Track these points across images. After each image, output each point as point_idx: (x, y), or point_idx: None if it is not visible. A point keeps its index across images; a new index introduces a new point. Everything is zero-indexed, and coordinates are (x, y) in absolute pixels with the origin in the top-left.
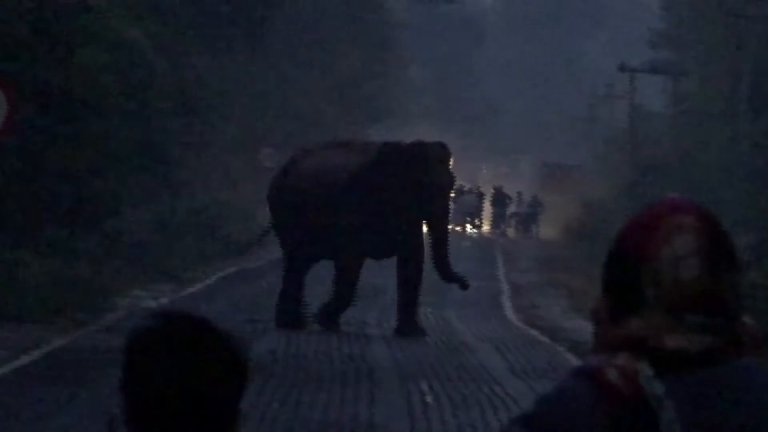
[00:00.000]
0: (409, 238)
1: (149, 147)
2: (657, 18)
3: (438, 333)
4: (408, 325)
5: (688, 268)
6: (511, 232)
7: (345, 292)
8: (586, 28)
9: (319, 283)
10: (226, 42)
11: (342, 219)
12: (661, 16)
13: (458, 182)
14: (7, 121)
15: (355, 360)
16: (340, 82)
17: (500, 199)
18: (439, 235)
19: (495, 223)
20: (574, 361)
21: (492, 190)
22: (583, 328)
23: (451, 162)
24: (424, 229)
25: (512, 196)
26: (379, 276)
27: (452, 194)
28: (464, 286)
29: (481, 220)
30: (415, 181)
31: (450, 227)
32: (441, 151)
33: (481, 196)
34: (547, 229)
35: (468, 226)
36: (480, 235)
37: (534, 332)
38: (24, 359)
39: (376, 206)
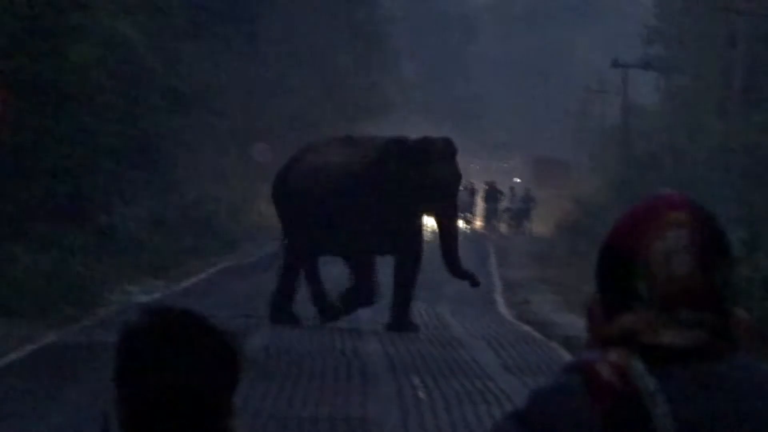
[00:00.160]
0: (408, 235)
1: (141, 143)
2: (650, 14)
3: (431, 328)
4: (401, 321)
5: (680, 263)
6: (503, 227)
7: (371, 286)
8: (578, 24)
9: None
10: (218, 38)
11: (348, 216)
12: (653, 12)
13: None
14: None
15: (347, 355)
16: (333, 78)
17: (493, 195)
18: (448, 232)
19: (487, 219)
20: (567, 356)
21: (484, 186)
22: (576, 323)
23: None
24: (423, 227)
25: (505, 192)
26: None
27: None
28: (475, 283)
29: (473, 216)
30: (421, 178)
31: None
32: (447, 147)
33: (473, 192)
34: (539, 225)
35: (461, 222)
36: (473, 231)
37: (527, 328)
38: (16, 354)
39: (379, 203)
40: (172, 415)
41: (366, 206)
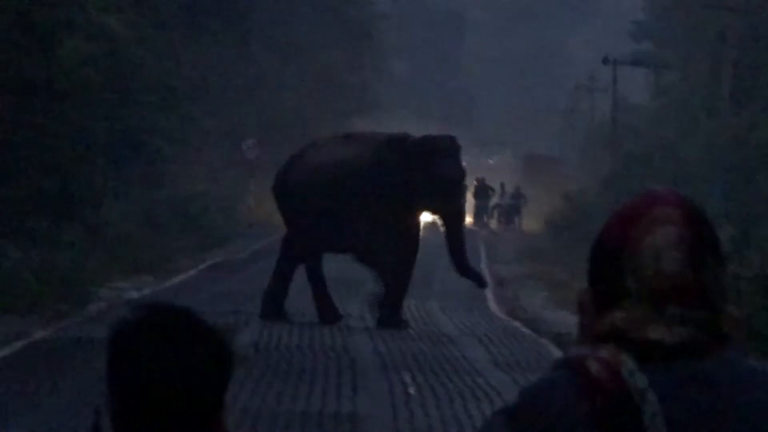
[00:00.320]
0: (406, 233)
1: (131, 138)
2: (639, 10)
3: (421, 325)
4: (391, 318)
5: (669, 259)
6: (493, 224)
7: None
8: (568, 21)
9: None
10: (208, 34)
11: (350, 213)
12: (643, 8)
13: None
14: None
15: (337, 351)
16: (323, 74)
17: (483, 191)
18: (454, 230)
19: (478, 215)
20: (557, 353)
21: (474, 182)
22: (566, 319)
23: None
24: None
25: (495, 188)
26: (360, 268)
27: None
28: (482, 284)
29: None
30: (423, 176)
31: (431, 219)
32: (451, 144)
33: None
34: (529, 221)
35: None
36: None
37: (517, 324)
38: (5, 350)
39: (380, 201)
40: (163, 411)
41: (367, 204)
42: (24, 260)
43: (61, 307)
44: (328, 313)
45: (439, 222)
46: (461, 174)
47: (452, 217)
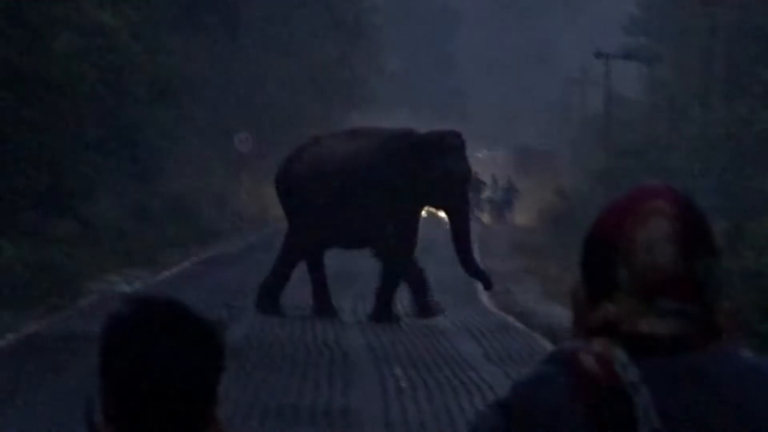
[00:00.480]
0: (404, 228)
1: (124, 133)
2: (632, 4)
3: (413, 319)
4: (383, 312)
5: (661, 252)
6: (485, 217)
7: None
8: (561, 15)
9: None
10: (202, 29)
11: (353, 208)
12: (636, 2)
13: None
14: None
15: (329, 345)
16: (316, 69)
17: (475, 185)
18: (459, 227)
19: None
20: (549, 346)
21: None
22: (558, 313)
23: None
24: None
25: (487, 182)
26: (353, 263)
27: None
28: (488, 285)
29: None
30: (428, 171)
31: (425, 213)
32: (456, 140)
33: None
34: (521, 215)
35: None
36: None
37: (509, 318)
38: None
39: (383, 196)
40: (156, 405)
41: (372, 199)
42: (16, 254)
43: (53, 301)
44: (323, 309)
45: (445, 217)
46: (467, 169)
47: (457, 211)
